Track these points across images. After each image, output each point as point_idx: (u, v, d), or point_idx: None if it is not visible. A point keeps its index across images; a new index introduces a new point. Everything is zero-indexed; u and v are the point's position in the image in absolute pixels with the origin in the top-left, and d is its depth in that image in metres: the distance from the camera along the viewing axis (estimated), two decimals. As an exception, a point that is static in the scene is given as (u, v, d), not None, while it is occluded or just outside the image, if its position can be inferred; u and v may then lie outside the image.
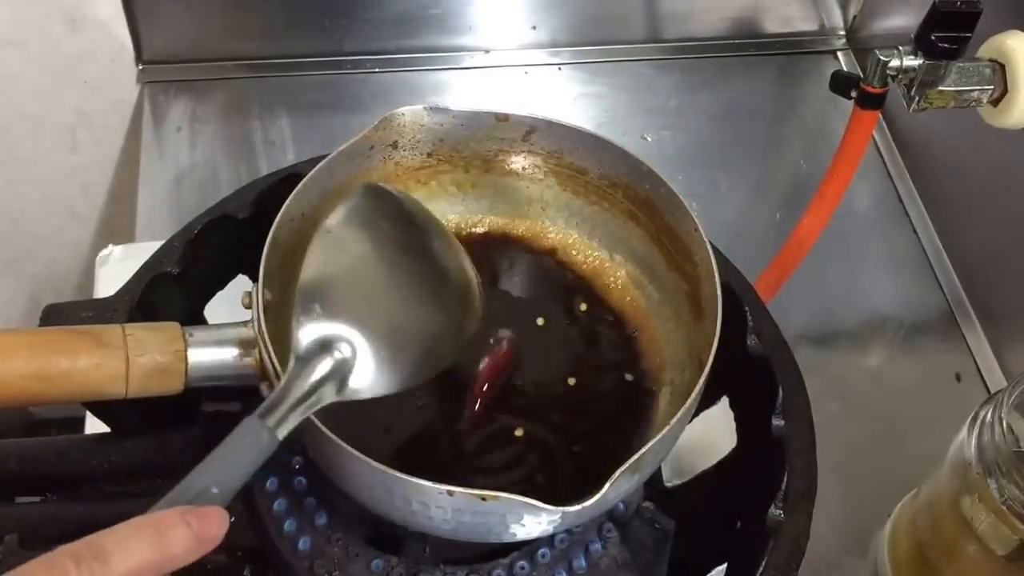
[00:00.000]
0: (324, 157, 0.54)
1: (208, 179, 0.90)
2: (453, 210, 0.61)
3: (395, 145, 0.57)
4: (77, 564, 0.36)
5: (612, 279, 0.60)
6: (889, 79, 0.65)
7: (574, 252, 0.61)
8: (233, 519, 0.53)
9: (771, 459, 0.54)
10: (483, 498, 0.43)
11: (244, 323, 0.49)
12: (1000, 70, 0.64)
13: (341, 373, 0.46)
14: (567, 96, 0.99)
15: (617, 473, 0.43)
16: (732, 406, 0.59)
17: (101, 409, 0.55)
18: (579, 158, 0.58)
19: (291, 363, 0.45)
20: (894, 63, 0.64)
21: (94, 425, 0.57)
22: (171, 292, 0.57)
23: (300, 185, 0.53)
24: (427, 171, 0.59)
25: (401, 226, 0.54)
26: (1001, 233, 0.83)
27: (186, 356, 0.48)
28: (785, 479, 0.52)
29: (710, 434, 0.61)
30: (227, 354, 0.48)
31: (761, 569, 0.50)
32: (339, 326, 0.47)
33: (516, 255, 0.61)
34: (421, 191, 0.60)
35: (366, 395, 0.47)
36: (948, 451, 0.60)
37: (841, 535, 0.72)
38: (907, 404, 0.80)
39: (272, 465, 0.53)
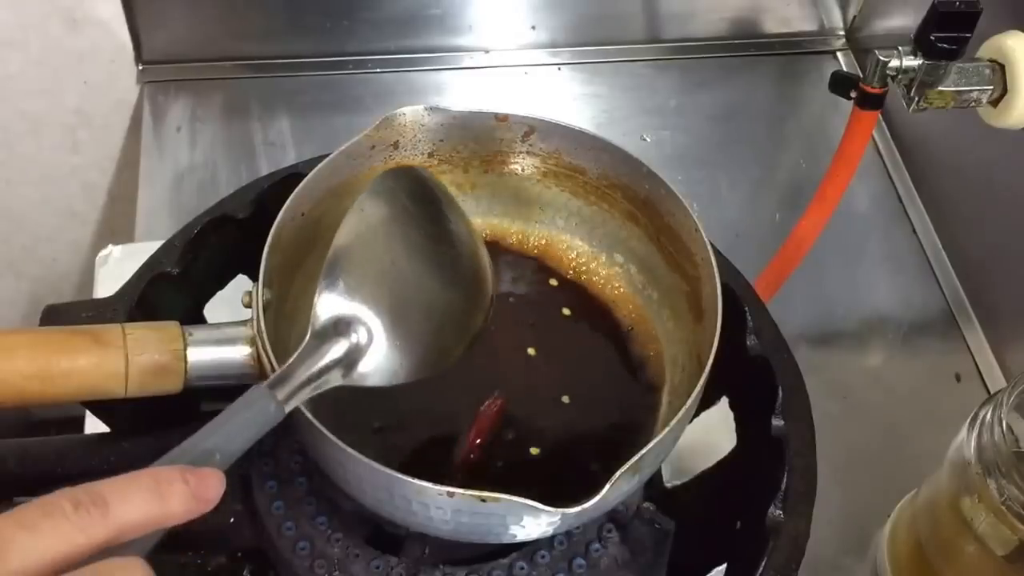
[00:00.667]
0: (325, 157, 0.54)
1: (208, 179, 0.90)
2: (453, 210, 0.61)
3: (396, 145, 0.57)
4: (76, 508, 0.35)
5: (611, 279, 0.60)
6: (889, 79, 0.65)
7: (573, 252, 0.61)
8: (233, 519, 0.54)
9: (771, 459, 0.54)
10: (483, 499, 0.43)
11: (244, 323, 0.49)
12: (1000, 70, 0.64)
13: (352, 357, 0.46)
14: (567, 96, 0.99)
15: (617, 474, 0.43)
16: (732, 406, 0.59)
17: (101, 409, 0.55)
18: (578, 158, 0.58)
19: (307, 337, 0.45)
20: (893, 63, 0.64)
21: (94, 425, 0.57)
22: (171, 292, 0.57)
23: (301, 185, 0.53)
24: (427, 171, 0.59)
25: (428, 213, 0.54)
26: (1001, 233, 0.83)
27: (185, 355, 0.48)
28: (785, 479, 0.52)
29: (710, 434, 0.61)
30: (227, 354, 0.48)
31: (761, 569, 0.50)
32: (359, 308, 0.47)
33: (515, 255, 0.61)
34: (421, 191, 0.60)
35: (370, 383, 0.47)
36: (948, 451, 0.60)
37: (841, 535, 0.72)
38: (907, 404, 0.80)
39: (272, 465, 0.54)
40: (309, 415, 0.45)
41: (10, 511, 0.35)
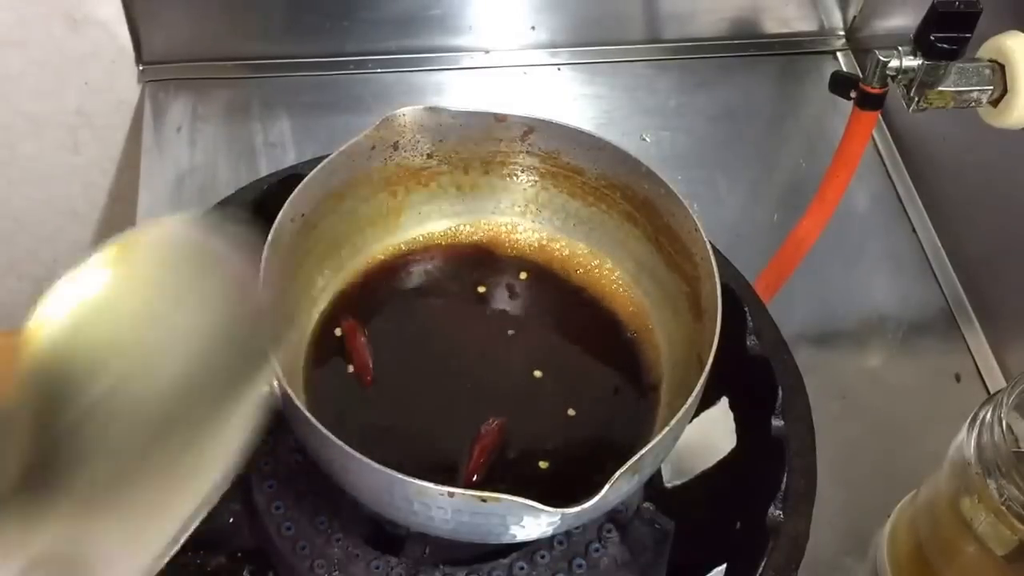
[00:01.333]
0: (325, 157, 0.54)
1: (208, 179, 0.90)
2: (453, 211, 0.61)
3: (396, 146, 0.57)
4: None
5: (611, 280, 0.60)
6: (888, 79, 0.65)
7: (572, 253, 0.61)
8: (233, 519, 0.54)
9: (771, 459, 0.54)
10: (483, 499, 0.43)
11: (244, 323, 0.49)
12: (1000, 70, 0.64)
13: None
14: (566, 97, 0.99)
15: (617, 474, 0.43)
16: (732, 406, 0.60)
17: (101, 409, 0.55)
18: (577, 158, 0.58)
19: None
20: (893, 63, 0.64)
21: (94, 425, 0.57)
22: (171, 292, 0.57)
23: (300, 185, 0.53)
24: (428, 172, 0.59)
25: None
26: (1001, 233, 0.83)
27: (186, 356, 0.48)
28: (785, 479, 0.52)
29: (710, 434, 0.61)
30: (227, 354, 0.48)
31: (761, 569, 0.50)
32: None
33: (514, 256, 0.61)
34: (423, 192, 0.60)
35: None
36: (948, 451, 0.60)
37: (841, 535, 0.72)
38: (907, 404, 0.80)
39: (272, 465, 0.54)
40: (309, 415, 0.45)
41: None
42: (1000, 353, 0.82)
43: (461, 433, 0.53)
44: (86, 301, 0.40)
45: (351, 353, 0.56)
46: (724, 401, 0.60)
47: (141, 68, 0.96)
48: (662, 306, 0.58)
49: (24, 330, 0.38)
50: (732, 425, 0.59)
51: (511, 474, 0.53)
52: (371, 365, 0.55)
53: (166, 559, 0.35)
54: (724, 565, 0.56)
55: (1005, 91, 0.65)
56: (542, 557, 0.51)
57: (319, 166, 0.54)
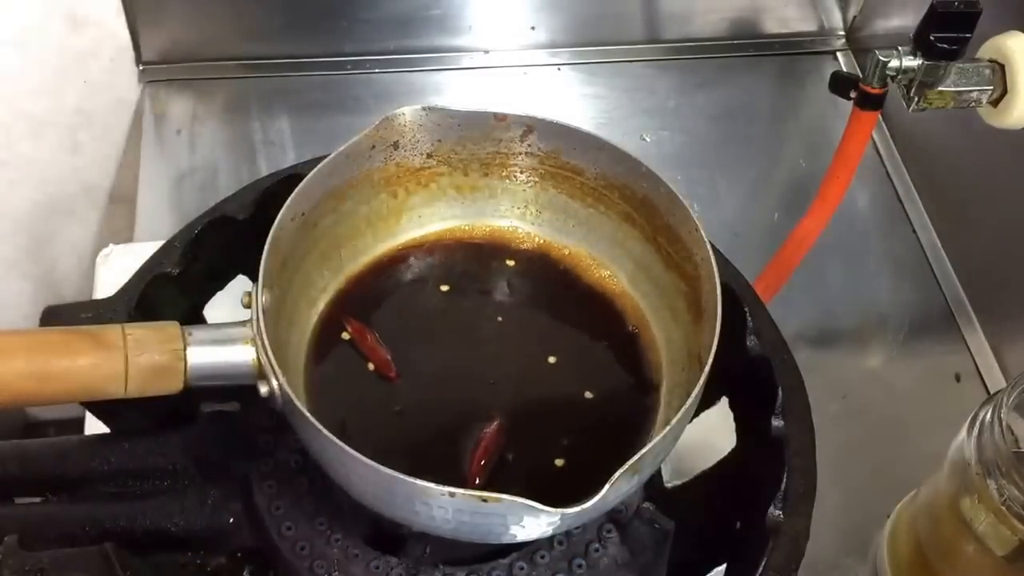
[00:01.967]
0: (324, 157, 0.54)
1: (208, 180, 0.90)
2: (452, 211, 0.61)
3: (396, 146, 0.57)
4: None
5: (610, 280, 0.60)
6: (888, 80, 0.65)
7: (571, 254, 0.61)
8: (233, 519, 0.54)
9: (771, 459, 0.54)
10: (484, 499, 0.43)
11: (244, 323, 0.49)
12: (1000, 71, 0.64)
13: None
14: (566, 97, 0.99)
15: (617, 474, 0.43)
16: (732, 406, 0.60)
17: (100, 409, 0.55)
18: (577, 158, 0.58)
19: None
20: (893, 64, 0.64)
21: (94, 425, 0.57)
22: (171, 292, 0.57)
23: (300, 186, 0.53)
24: (427, 173, 0.59)
25: None
26: (1001, 233, 0.83)
27: (185, 356, 0.48)
28: (785, 479, 0.52)
29: (710, 434, 0.61)
30: (226, 354, 0.48)
31: (761, 570, 0.50)
32: None
33: (513, 256, 0.61)
34: (422, 193, 0.60)
35: None
36: (948, 451, 0.60)
37: (841, 535, 0.72)
38: (907, 404, 0.80)
39: (272, 465, 0.54)
40: (309, 415, 0.45)
41: None
42: (1000, 353, 0.82)
43: (461, 433, 0.53)
44: None
45: (367, 353, 0.55)
46: (724, 401, 0.60)
47: (141, 68, 0.96)
48: (662, 306, 0.58)
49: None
50: (732, 425, 0.59)
51: (511, 474, 0.52)
52: (391, 360, 0.55)
53: None
54: (724, 565, 0.56)
55: (1005, 91, 0.65)
56: (542, 557, 0.51)
57: (319, 166, 0.54)
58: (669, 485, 0.63)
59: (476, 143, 0.59)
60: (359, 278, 0.59)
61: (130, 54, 0.94)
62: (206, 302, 0.61)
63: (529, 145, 0.58)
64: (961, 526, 0.58)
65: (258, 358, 0.48)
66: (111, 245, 0.82)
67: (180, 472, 0.55)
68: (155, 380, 0.47)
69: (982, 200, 0.85)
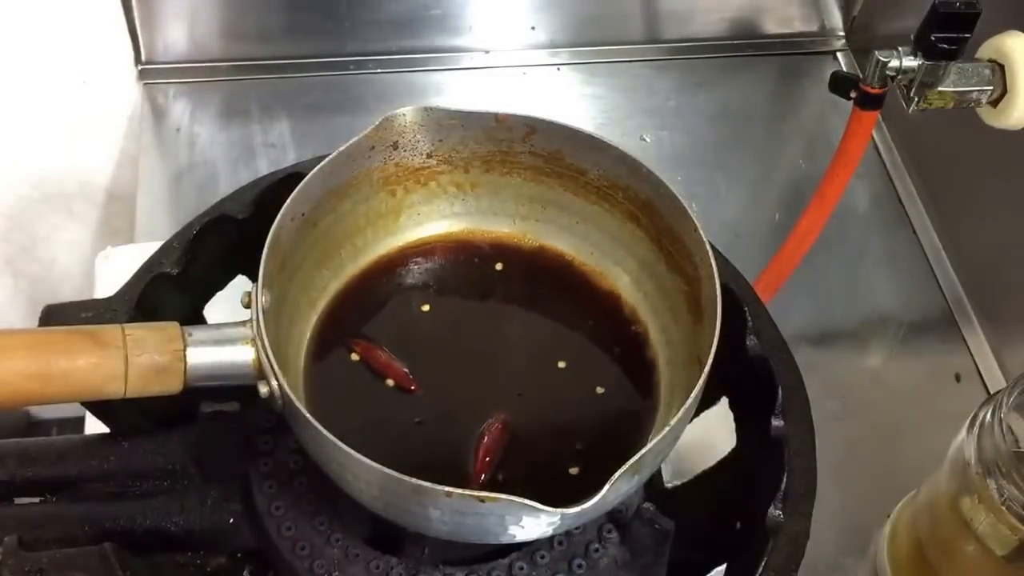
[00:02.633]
0: (324, 157, 0.54)
1: (208, 180, 0.90)
2: (453, 211, 0.61)
3: (395, 146, 0.57)
4: None
5: (612, 280, 0.60)
6: (888, 80, 0.65)
7: (573, 252, 0.61)
8: (233, 519, 0.54)
9: (771, 460, 0.54)
10: (482, 499, 0.43)
11: (243, 323, 0.49)
12: (1000, 71, 0.64)
13: None
14: (566, 97, 0.99)
15: (617, 475, 0.43)
16: (732, 406, 0.59)
17: (100, 409, 0.55)
18: (578, 159, 0.58)
19: None
20: (893, 64, 0.64)
21: (94, 425, 0.57)
22: (171, 292, 0.57)
23: (300, 185, 0.53)
24: (427, 171, 0.59)
25: None
26: (1001, 233, 0.83)
27: (185, 356, 0.48)
28: (785, 479, 0.52)
29: (710, 434, 0.61)
30: (226, 354, 0.48)
31: (761, 569, 0.50)
32: None
33: (514, 256, 0.61)
34: (421, 191, 0.60)
35: None
36: (948, 451, 0.60)
37: (841, 535, 0.72)
38: (907, 404, 0.80)
39: (272, 466, 0.54)
40: (309, 415, 0.45)
41: None
42: (1000, 353, 0.82)
43: (463, 433, 0.53)
44: None
45: (383, 371, 0.55)
46: (724, 401, 0.60)
47: (140, 68, 0.96)
48: (663, 307, 0.58)
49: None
50: (732, 425, 0.59)
51: (511, 474, 0.52)
52: (409, 373, 0.55)
53: None
54: (724, 565, 0.56)
55: (1005, 91, 0.65)
56: (542, 557, 0.51)
57: (319, 166, 0.54)
58: (669, 485, 0.63)
59: (477, 143, 0.59)
60: (359, 278, 0.59)
61: (129, 54, 0.94)
62: (206, 302, 0.61)
63: (532, 145, 0.58)
64: (961, 526, 0.58)
65: (258, 358, 0.48)
66: (111, 246, 0.82)
67: (180, 472, 0.55)
68: (155, 380, 0.47)
69: (982, 200, 0.86)
